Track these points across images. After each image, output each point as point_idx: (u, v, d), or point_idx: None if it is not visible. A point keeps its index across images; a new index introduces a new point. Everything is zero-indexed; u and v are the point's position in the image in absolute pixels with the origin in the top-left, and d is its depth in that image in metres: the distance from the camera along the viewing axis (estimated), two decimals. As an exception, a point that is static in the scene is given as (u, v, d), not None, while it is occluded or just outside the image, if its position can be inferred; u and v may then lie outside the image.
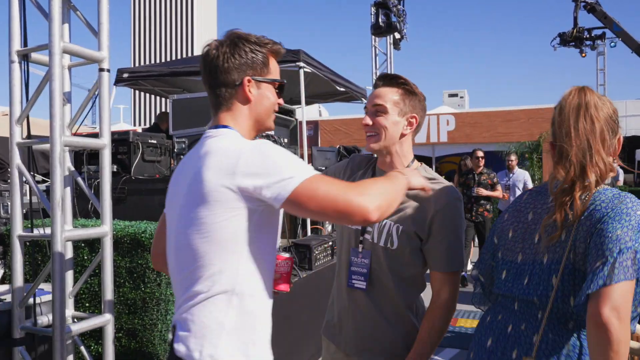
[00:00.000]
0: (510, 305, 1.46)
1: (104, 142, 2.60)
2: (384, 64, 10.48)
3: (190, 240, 1.29)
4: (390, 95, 1.70)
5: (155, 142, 4.18)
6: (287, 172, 1.22)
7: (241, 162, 1.23)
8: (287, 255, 1.62)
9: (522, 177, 7.58)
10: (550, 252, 1.37)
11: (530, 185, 7.48)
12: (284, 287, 1.65)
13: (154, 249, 1.60)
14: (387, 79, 1.73)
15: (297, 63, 5.65)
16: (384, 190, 1.29)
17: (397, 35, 10.01)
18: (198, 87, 6.53)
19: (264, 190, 1.21)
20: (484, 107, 21.36)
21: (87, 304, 3.05)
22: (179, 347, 1.29)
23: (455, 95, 26.87)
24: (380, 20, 8.91)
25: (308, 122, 18.07)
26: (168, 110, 4.51)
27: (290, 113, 5.19)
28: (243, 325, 1.29)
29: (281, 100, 1.47)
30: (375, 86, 1.75)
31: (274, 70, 1.43)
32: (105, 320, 2.52)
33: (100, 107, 2.63)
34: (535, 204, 1.50)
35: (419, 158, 1.83)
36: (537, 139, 16.08)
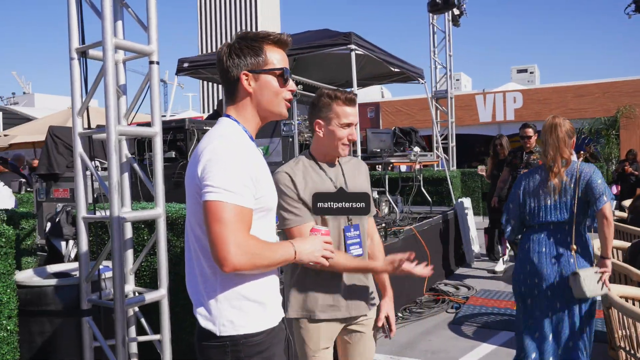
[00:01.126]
0: (547, 227, 2.87)
1: (155, 131, 2.78)
2: (442, 42, 10.20)
3: (188, 224, 1.53)
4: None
5: (209, 128, 4.38)
6: (216, 183, 1.35)
7: (202, 156, 1.40)
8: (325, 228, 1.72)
9: None
10: (563, 196, 2.83)
11: None
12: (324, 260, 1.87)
13: None
14: (354, 102, 2.09)
15: (349, 46, 5.66)
16: (262, 259, 1.38)
17: (456, 12, 9.70)
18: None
19: (201, 187, 1.38)
20: (555, 83, 20.26)
21: (147, 280, 3.29)
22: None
23: (525, 70, 25.57)
24: (437, -3, 8.67)
25: (369, 104, 17.98)
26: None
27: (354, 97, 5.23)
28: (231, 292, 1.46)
29: (291, 86, 1.57)
30: (349, 105, 2.07)
31: (275, 60, 1.53)
32: (161, 295, 2.73)
33: (151, 97, 2.80)
34: (534, 174, 2.98)
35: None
36: (614, 114, 15.10)
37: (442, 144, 9.68)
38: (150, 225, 3.33)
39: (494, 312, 4.99)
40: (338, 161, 2.16)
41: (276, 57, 1.54)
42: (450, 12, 9.59)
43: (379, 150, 6.45)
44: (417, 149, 6.73)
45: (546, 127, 2.90)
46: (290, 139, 4.26)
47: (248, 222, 1.40)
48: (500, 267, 6.60)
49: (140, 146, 4.38)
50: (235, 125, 1.52)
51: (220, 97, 5.32)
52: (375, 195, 5.92)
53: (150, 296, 2.72)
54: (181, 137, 4.24)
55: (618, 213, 6.59)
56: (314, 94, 4.69)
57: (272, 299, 1.55)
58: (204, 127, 4.31)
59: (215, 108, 7.08)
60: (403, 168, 9.63)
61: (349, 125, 2.06)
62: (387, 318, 2.20)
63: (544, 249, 2.82)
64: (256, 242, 1.38)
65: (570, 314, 2.75)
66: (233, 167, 1.38)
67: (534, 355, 2.87)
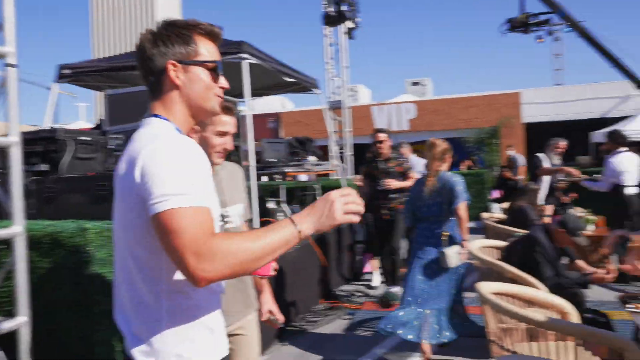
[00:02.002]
0: (427, 219, 3.96)
1: (11, 141, 2.52)
2: (337, 54, 10.47)
3: (119, 238, 1.34)
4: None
5: (88, 138, 4.08)
6: (167, 189, 1.16)
7: (140, 158, 1.21)
8: None
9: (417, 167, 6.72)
10: (436, 197, 3.87)
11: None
12: (264, 271, 1.89)
13: None
14: (231, 111, 2.06)
15: (240, 55, 5.57)
16: (240, 256, 1.16)
17: (351, 25, 10.00)
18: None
19: (144, 197, 1.19)
20: (446, 95, 21.63)
21: (9, 307, 2.96)
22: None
23: (418, 83, 27.12)
24: (330, 10, 8.87)
25: (270, 115, 18.03)
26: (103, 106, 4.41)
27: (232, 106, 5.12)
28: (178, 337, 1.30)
29: (223, 83, 1.40)
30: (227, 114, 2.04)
31: (207, 52, 1.37)
32: (18, 323, 2.45)
33: (8, 104, 2.53)
34: (422, 180, 4.02)
35: None
36: (496, 124, 16.42)
37: (339, 153, 9.88)
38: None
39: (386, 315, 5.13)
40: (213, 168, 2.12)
41: (208, 49, 1.38)
42: (344, 24, 9.86)
43: (274, 160, 6.42)
44: (312, 158, 6.78)
45: (427, 146, 3.97)
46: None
47: (208, 222, 1.18)
48: (376, 281, 6.22)
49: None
50: (167, 124, 1.32)
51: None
52: (272, 205, 5.87)
53: (7, 325, 2.44)
54: (53, 148, 3.90)
55: (498, 215, 7.10)
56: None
57: (219, 323, 1.41)
58: (80, 138, 4.01)
59: (102, 117, 6.64)
60: (303, 177, 9.69)
61: (224, 133, 2.02)
62: (270, 312, 2.27)
63: (426, 234, 3.98)
64: (223, 239, 1.16)
65: (441, 277, 3.87)
66: (177, 167, 1.19)
67: (412, 306, 3.90)
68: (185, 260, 1.13)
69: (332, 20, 9.04)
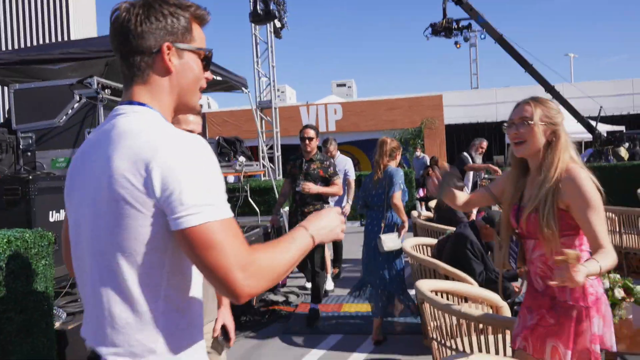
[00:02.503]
0: (373, 208, 4.40)
1: None
2: (265, 53, 10.32)
3: (109, 246, 1.11)
4: None
5: (-10, 137, 3.68)
6: (191, 200, 1.03)
7: (156, 162, 1.05)
8: None
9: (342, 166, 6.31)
10: (379, 188, 4.32)
11: (351, 173, 6.43)
12: None
13: (65, 256, 1.41)
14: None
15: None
16: (277, 269, 1.12)
17: (278, 24, 9.90)
18: (58, 78, 5.92)
19: (166, 207, 1.05)
20: (370, 97, 22.11)
21: None
22: None
23: (344, 85, 27.54)
24: (258, 7, 8.72)
25: (195, 115, 17.49)
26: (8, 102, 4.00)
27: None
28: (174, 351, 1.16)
29: (209, 75, 1.27)
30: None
31: (199, 38, 1.23)
32: None
33: None
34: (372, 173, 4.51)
35: None
36: (419, 125, 16.99)
37: (267, 153, 9.74)
38: None
39: (322, 316, 5.07)
40: None
41: (201, 36, 1.24)
42: (272, 23, 9.75)
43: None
44: (242, 158, 6.61)
45: (379, 143, 4.39)
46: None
47: (241, 234, 1.10)
48: (330, 285, 6.13)
49: None
50: (159, 116, 1.16)
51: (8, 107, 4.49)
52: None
53: None
54: (-48, 148, 3.48)
55: (425, 213, 7.29)
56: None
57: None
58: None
59: (7, 116, 6.07)
60: (230, 179, 9.47)
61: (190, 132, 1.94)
62: (224, 327, 2.18)
63: (371, 222, 4.41)
64: (263, 253, 1.10)
65: (381, 260, 4.28)
66: (205, 173, 1.07)
67: (368, 286, 4.44)
68: (230, 277, 1.04)
69: (259, 18, 8.90)
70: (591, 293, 1.93)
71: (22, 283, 2.58)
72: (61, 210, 3.33)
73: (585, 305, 1.91)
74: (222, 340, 2.19)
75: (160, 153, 1.05)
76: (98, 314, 1.14)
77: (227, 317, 2.23)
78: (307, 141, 4.88)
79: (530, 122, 1.96)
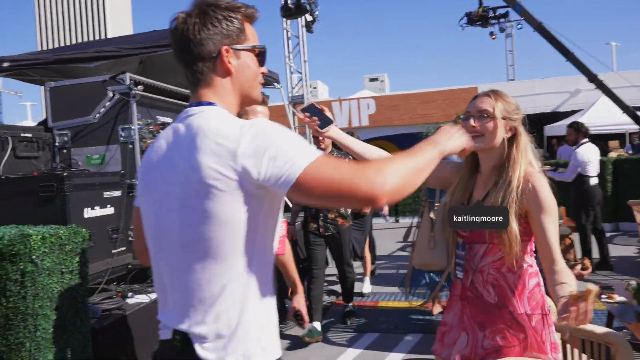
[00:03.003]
0: None
1: None
2: (296, 47, 10.24)
3: (202, 235, 1.19)
4: None
5: (30, 135, 3.71)
6: (291, 153, 1.12)
7: (242, 145, 1.14)
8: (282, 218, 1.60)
9: None
10: None
11: None
12: (281, 250, 1.90)
13: (138, 246, 1.52)
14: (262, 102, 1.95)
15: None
16: (402, 167, 1.17)
17: (309, 18, 9.79)
18: (91, 75, 5.99)
19: (269, 175, 1.12)
20: (403, 91, 21.80)
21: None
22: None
23: (376, 79, 27.13)
24: (289, 1, 8.64)
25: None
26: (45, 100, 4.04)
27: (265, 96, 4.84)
28: (259, 323, 1.25)
29: (264, 69, 1.37)
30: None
31: (252, 36, 1.33)
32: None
33: None
34: None
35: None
36: (453, 119, 16.65)
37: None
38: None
39: (358, 314, 4.97)
40: None
41: (252, 33, 1.33)
42: (303, 17, 9.65)
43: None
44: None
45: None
46: (131, 146, 3.77)
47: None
48: (367, 288, 5.85)
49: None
50: (227, 113, 1.26)
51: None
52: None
53: None
54: (-9, 146, 3.52)
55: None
56: (158, 96, 4.17)
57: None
58: (22, 134, 3.63)
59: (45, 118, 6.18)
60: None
61: None
62: (298, 312, 2.30)
63: None
64: (377, 161, 1.18)
65: None
66: (287, 132, 1.18)
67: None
68: (357, 186, 1.10)
69: (290, 12, 8.82)
70: (545, 300, 1.86)
71: (57, 280, 2.57)
72: (96, 207, 3.32)
73: (544, 313, 1.83)
74: (298, 320, 2.35)
75: (243, 142, 1.14)
76: (187, 297, 1.23)
77: (300, 303, 2.33)
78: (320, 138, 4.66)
79: (490, 115, 1.83)
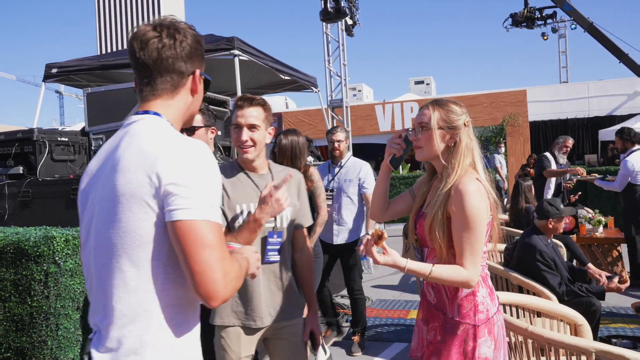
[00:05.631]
0: None
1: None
2: (336, 51, 10.22)
3: (109, 241, 1.18)
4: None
5: (66, 139, 3.86)
6: (194, 195, 1.12)
7: (162, 159, 1.14)
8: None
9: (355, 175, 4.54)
10: None
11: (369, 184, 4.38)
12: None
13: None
14: (249, 102, 2.04)
15: (232, 51, 5.35)
16: (239, 281, 1.22)
17: (349, 21, 9.75)
18: (132, 81, 6.19)
19: (165, 199, 1.13)
20: (449, 94, 21.34)
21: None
22: None
23: (422, 82, 26.75)
24: (329, 5, 8.63)
25: (272, 115, 17.77)
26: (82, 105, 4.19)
27: (224, 104, 4.91)
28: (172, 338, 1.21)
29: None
30: (240, 107, 2.03)
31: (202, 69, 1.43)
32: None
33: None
34: None
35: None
36: (500, 123, 16.11)
37: (339, 153, 9.64)
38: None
39: (387, 323, 4.89)
40: (269, 169, 2.13)
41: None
42: (343, 21, 9.62)
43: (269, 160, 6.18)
44: (310, 158, 6.55)
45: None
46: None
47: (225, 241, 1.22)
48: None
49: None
50: (167, 123, 1.28)
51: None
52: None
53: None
54: (29, 149, 3.68)
55: (501, 216, 6.82)
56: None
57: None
58: (59, 138, 3.78)
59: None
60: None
61: (238, 125, 2.02)
62: (312, 333, 2.21)
63: None
64: (232, 263, 1.19)
65: None
66: (205, 174, 1.17)
67: None
68: (216, 278, 1.11)
69: (330, 16, 8.81)
70: (481, 311, 1.81)
71: (79, 281, 2.65)
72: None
73: (473, 324, 1.80)
74: (310, 346, 2.23)
75: (165, 154, 1.15)
76: (104, 303, 1.20)
77: (313, 324, 2.21)
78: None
79: (426, 127, 1.88)
